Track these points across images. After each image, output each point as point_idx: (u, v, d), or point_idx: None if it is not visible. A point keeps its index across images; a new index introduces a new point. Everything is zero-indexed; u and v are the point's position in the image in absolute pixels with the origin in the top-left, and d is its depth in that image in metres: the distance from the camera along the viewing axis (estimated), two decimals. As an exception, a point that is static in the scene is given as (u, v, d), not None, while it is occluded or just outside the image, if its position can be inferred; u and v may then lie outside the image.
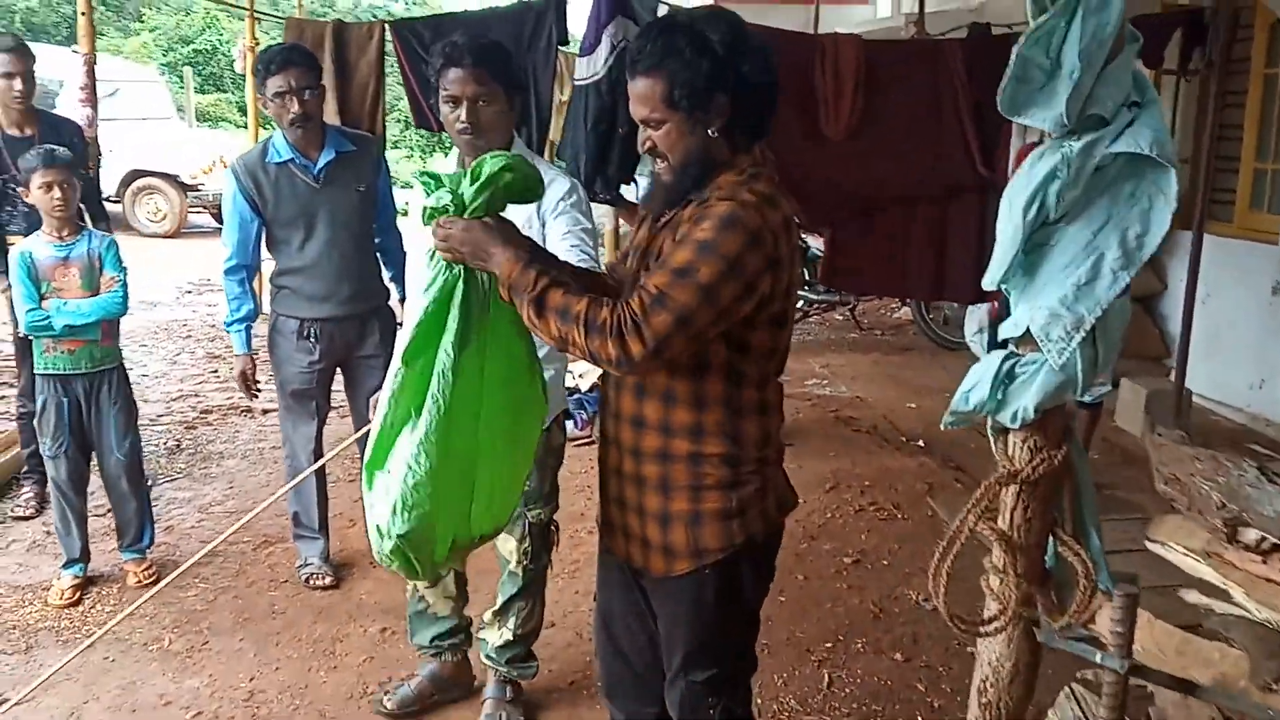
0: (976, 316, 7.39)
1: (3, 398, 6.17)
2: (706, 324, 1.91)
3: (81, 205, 4.37)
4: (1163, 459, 1.97)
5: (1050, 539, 1.96)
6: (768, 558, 2.24)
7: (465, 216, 1.99)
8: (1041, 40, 1.58)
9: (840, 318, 8.71)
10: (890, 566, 4.22)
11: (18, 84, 4.22)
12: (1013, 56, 1.61)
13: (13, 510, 4.48)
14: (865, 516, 4.71)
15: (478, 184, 1.98)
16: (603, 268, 2.56)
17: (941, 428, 1.91)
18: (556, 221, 2.74)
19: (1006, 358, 1.78)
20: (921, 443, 5.70)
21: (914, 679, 3.40)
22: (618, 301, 1.91)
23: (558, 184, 2.80)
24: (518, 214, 2.72)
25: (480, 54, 2.68)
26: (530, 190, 2.09)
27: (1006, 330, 1.77)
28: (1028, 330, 1.73)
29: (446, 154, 2.95)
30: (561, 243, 2.69)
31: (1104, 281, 1.65)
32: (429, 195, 2.04)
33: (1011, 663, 2.02)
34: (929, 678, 3.41)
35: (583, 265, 2.49)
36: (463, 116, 2.68)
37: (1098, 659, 1.67)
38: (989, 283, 1.75)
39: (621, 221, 5.98)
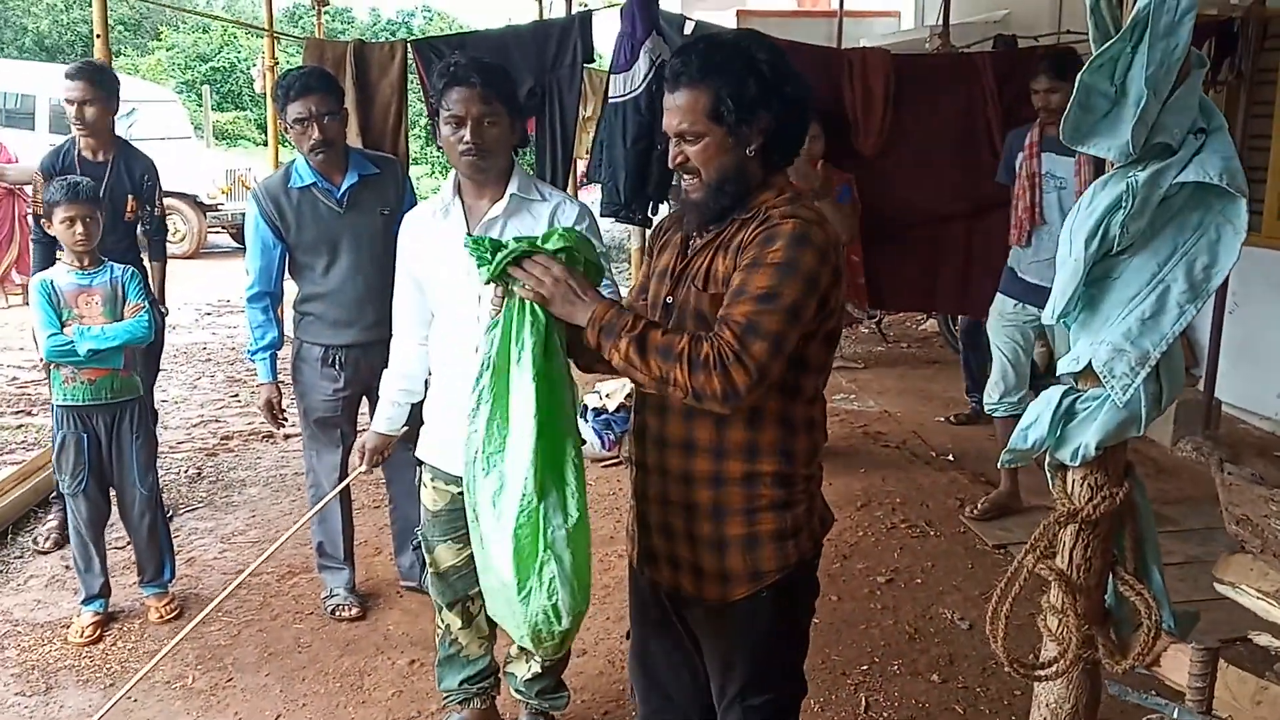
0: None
1: (20, 426, 6.15)
2: (792, 341, 1.92)
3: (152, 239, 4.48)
4: (1233, 499, 1.89)
5: (1110, 578, 1.88)
6: (814, 571, 2.24)
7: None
8: (1105, 67, 1.51)
9: (866, 331, 8.63)
10: (924, 585, 4.16)
11: (75, 110, 4.22)
12: (1075, 84, 1.54)
13: (33, 542, 4.44)
14: (897, 534, 4.64)
15: (557, 246, 1.96)
16: (618, 292, 2.60)
17: (998, 467, 1.84)
18: None
19: (1066, 393, 1.71)
20: (951, 457, 5.62)
21: (951, 701, 3.35)
22: (713, 337, 1.89)
23: (567, 208, 2.78)
24: (528, 231, 2.69)
25: (486, 74, 2.63)
26: (591, 274, 2.04)
27: (1066, 365, 1.70)
28: (1089, 365, 1.66)
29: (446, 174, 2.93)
30: None
31: (1170, 315, 1.58)
32: (483, 264, 1.96)
33: (1070, 705, 1.95)
34: (966, 699, 3.35)
35: None
36: (466, 137, 2.64)
37: (1175, 714, 1.59)
38: (1048, 317, 1.68)
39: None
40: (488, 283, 2.00)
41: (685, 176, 2.07)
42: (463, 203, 2.79)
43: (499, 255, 1.95)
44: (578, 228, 2.60)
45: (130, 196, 4.35)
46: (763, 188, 2.03)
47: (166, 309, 4.64)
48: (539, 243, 1.99)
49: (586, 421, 5.43)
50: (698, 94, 1.97)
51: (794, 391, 2.03)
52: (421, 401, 3.00)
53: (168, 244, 4.70)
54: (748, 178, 2.02)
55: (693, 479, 2.07)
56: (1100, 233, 1.56)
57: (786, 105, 2.00)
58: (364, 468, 3.06)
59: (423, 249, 2.82)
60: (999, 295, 4.64)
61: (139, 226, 4.43)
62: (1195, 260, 1.57)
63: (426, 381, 3.00)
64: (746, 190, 2.02)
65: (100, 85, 4.30)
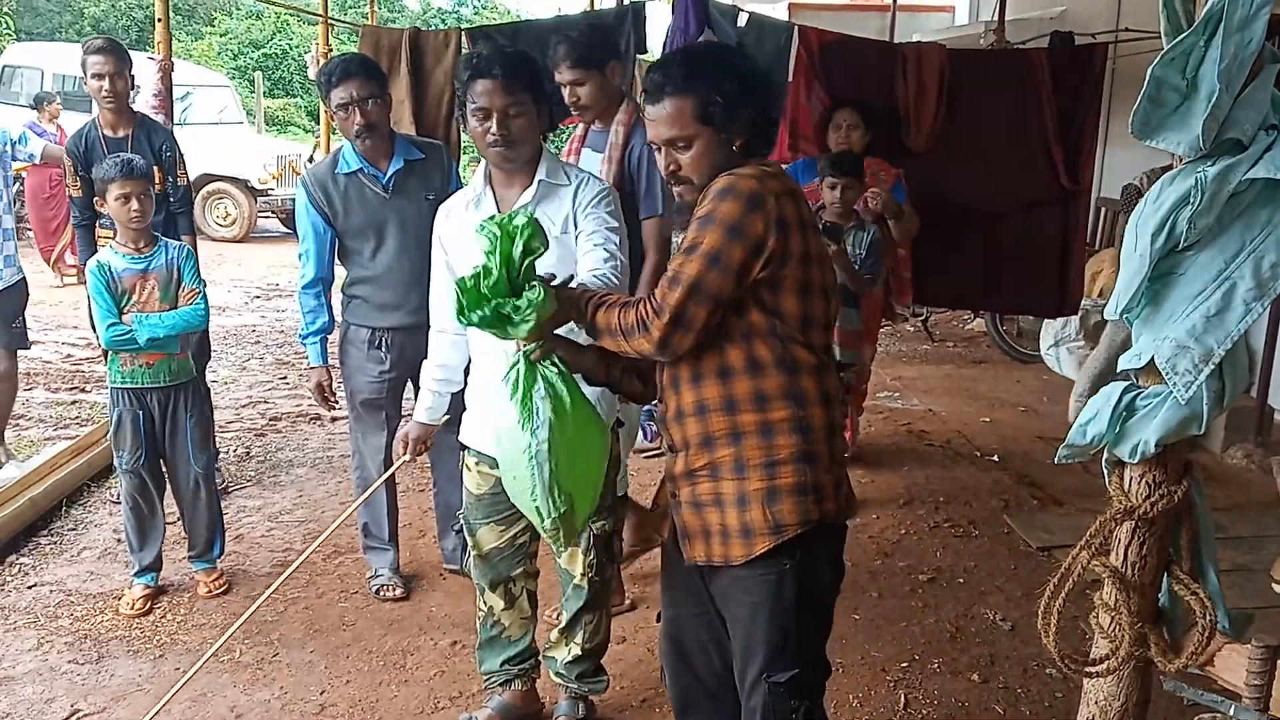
0: (1053, 330, 7.24)
1: (74, 402, 6.27)
2: (721, 288, 2.03)
3: (175, 212, 4.49)
4: (1294, 499, 1.87)
5: (1164, 577, 1.87)
6: (839, 551, 2.27)
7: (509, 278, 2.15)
8: (1177, 60, 1.50)
9: (911, 329, 8.57)
10: (966, 585, 4.13)
11: (107, 85, 4.29)
12: (1146, 77, 1.52)
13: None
14: (940, 533, 4.61)
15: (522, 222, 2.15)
16: (626, 265, 2.76)
17: (1055, 462, 1.83)
18: (586, 221, 2.76)
19: (1126, 389, 1.70)
20: (996, 458, 5.57)
21: (992, 701, 3.32)
22: (647, 296, 2.11)
23: (589, 185, 2.82)
24: (556, 214, 2.74)
25: (509, 64, 2.64)
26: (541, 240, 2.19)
27: (1128, 361, 1.68)
28: (1151, 361, 1.64)
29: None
30: (588, 241, 2.72)
31: (1235, 313, 1.57)
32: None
33: (1120, 703, 1.94)
34: (1007, 699, 3.33)
35: (606, 264, 2.66)
36: (493, 129, 2.65)
37: (1231, 711, 1.58)
38: (1111, 312, 1.67)
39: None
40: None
41: (677, 185, 2.21)
42: (494, 191, 2.81)
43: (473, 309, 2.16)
44: (597, 203, 2.79)
45: (155, 168, 4.36)
46: (745, 166, 2.14)
47: (203, 282, 4.66)
48: (504, 222, 2.16)
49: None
50: (684, 100, 2.12)
51: (785, 340, 2.10)
52: (464, 389, 3.02)
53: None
54: (725, 166, 2.14)
55: (712, 440, 2.14)
56: (1167, 228, 1.55)
57: (764, 100, 2.19)
58: (407, 457, 3.09)
59: (457, 239, 2.85)
60: None
61: (168, 200, 4.46)
62: (1263, 258, 1.55)
63: (466, 370, 3.02)
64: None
65: (124, 59, 4.37)
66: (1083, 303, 5.61)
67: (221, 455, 5.17)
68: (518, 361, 2.25)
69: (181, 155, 4.56)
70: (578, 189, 2.79)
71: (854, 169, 4.55)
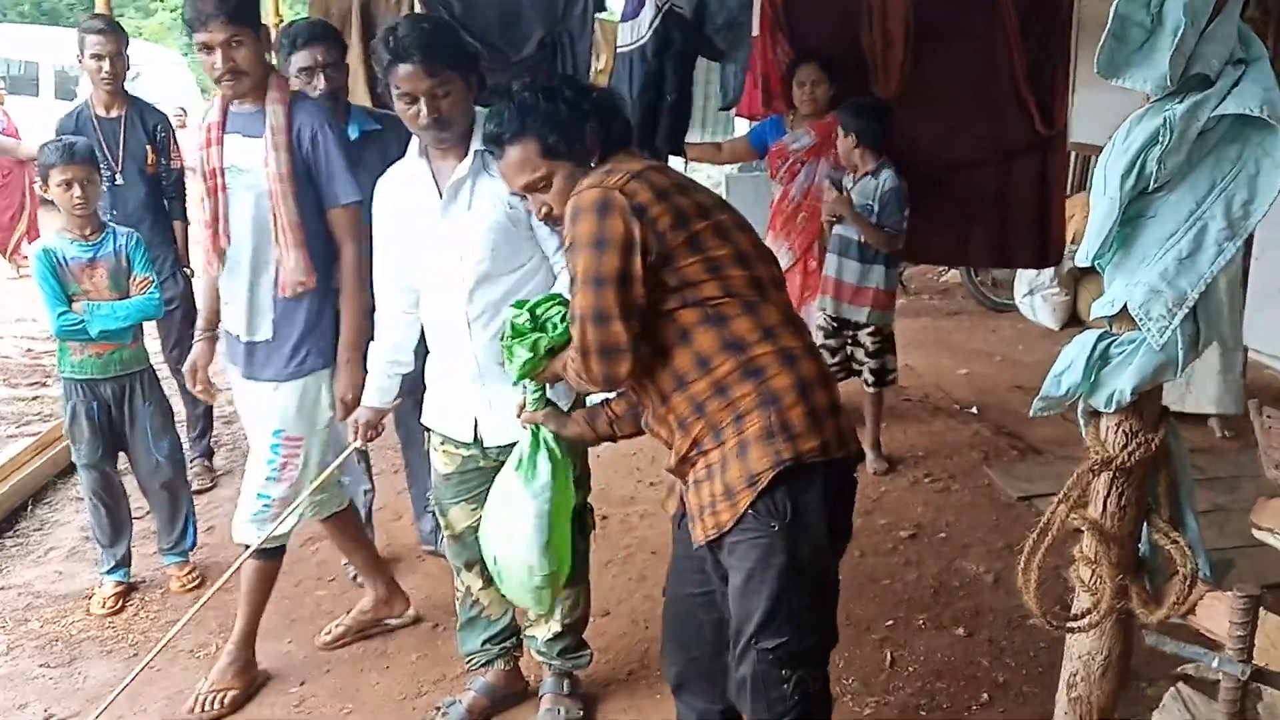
0: (1027, 278, 7.23)
1: (35, 398, 6.15)
2: (618, 302, 2.01)
3: (168, 196, 4.45)
4: (1273, 442, 1.85)
5: (1144, 527, 1.84)
6: (839, 501, 2.15)
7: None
8: (1141, -6, 1.44)
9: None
10: (948, 539, 4.12)
11: (107, 65, 4.19)
12: (1110, 14, 1.46)
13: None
14: (920, 488, 4.60)
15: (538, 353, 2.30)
16: None
17: (1031, 415, 1.79)
18: None
19: (1100, 337, 1.65)
20: (975, 410, 5.56)
21: (977, 654, 3.33)
22: None
23: None
24: (499, 185, 2.58)
25: (427, 45, 2.52)
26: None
27: (1100, 308, 1.64)
28: (1124, 308, 1.60)
29: None
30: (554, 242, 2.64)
31: (1208, 254, 1.53)
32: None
33: (1103, 656, 1.92)
34: (992, 652, 3.34)
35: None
36: (423, 113, 2.56)
37: (1214, 664, 1.55)
38: (1082, 259, 1.62)
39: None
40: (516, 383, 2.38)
41: (555, 225, 2.26)
42: (430, 165, 2.73)
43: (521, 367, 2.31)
44: None
45: (149, 148, 4.33)
46: (588, 177, 2.13)
47: (191, 270, 4.58)
48: (533, 308, 2.30)
49: None
50: (524, 144, 2.18)
51: (702, 300, 2.06)
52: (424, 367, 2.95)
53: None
54: None
55: (684, 421, 2.11)
56: (1137, 169, 1.50)
57: (601, 108, 2.21)
58: (358, 443, 3.03)
59: (398, 215, 2.77)
60: None
61: (160, 183, 4.40)
62: (1234, 196, 1.51)
63: (418, 351, 2.95)
64: None
65: (122, 38, 4.29)
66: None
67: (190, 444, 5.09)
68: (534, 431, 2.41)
69: (174, 136, 4.46)
70: None
71: (852, 117, 4.46)
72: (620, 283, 2.00)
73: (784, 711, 2.12)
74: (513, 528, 2.40)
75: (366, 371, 2.97)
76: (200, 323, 3.25)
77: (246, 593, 3.17)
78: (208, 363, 3.21)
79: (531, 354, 2.28)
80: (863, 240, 4.55)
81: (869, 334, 4.69)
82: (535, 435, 2.40)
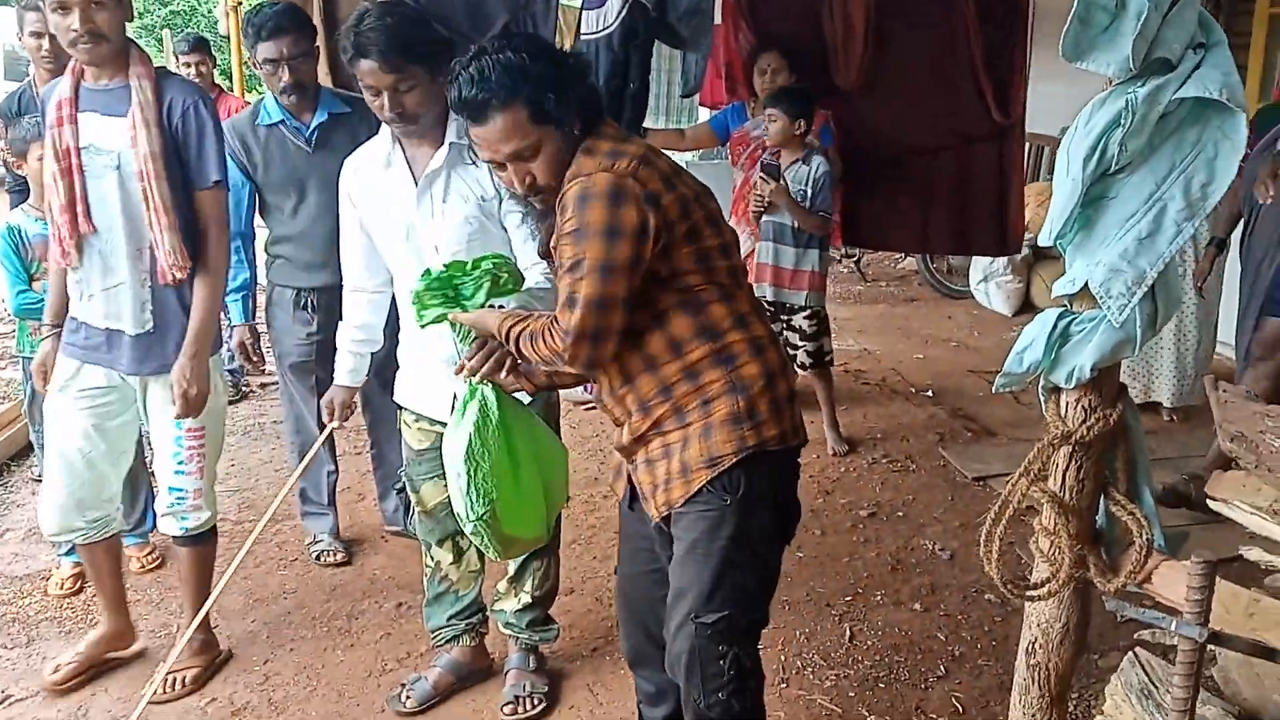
0: (981, 265, 7.34)
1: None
2: (619, 291, 1.97)
3: None
4: (1228, 416, 1.91)
5: (1102, 499, 1.90)
6: (788, 487, 2.21)
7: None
8: (1106, -21, 1.48)
9: (845, 270, 8.62)
10: (905, 518, 4.20)
11: (46, 43, 4.07)
12: (1073, -2, 1.51)
13: None
14: (878, 469, 4.67)
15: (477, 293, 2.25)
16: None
17: (994, 391, 1.84)
18: (510, 199, 2.60)
19: (1061, 315, 1.70)
20: (931, 393, 5.65)
21: (934, 628, 3.40)
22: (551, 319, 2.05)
23: None
24: (472, 178, 2.65)
25: (390, 40, 2.49)
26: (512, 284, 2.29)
27: (1062, 287, 1.69)
28: (1084, 287, 1.65)
29: None
30: (520, 231, 2.64)
31: (1166, 234, 1.58)
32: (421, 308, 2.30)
33: (1061, 624, 1.98)
34: (949, 626, 3.41)
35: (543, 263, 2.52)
36: (386, 107, 2.56)
37: (1173, 627, 1.61)
38: (1045, 239, 1.67)
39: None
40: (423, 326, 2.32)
41: (535, 195, 2.11)
42: (404, 152, 2.72)
43: (430, 303, 2.27)
44: None
45: None
46: (586, 153, 2.05)
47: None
48: (467, 269, 2.23)
49: None
50: (513, 110, 2.00)
51: (685, 287, 2.05)
52: (394, 346, 2.95)
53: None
54: (572, 156, 2.06)
55: (647, 404, 2.10)
56: (1099, 151, 1.55)
57: (577, 72, 2.08)
58: (334, 424, 3.02)
59: (369, 198, 2.76)
60: None
61: None
62: (1193, 178, 1.56)
63: (389, 331, 2.94)
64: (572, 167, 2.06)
65: None
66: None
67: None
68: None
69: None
70: None
71: (792, 103, 4.51)
72: (630, 271, 1.97)
73: (719, 686, 2.13)
74: (453, 467, 2.33)
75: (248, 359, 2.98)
76: (47, 317, 3.03)
77: (187, 579, 3.14)
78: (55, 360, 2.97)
79: (443, 307, 2.27)
80: (796, 226, 4.61)
81: (805, 317, 4.76)
82: (472, 386, 2.35)
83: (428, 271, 2.28)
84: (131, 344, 2.87)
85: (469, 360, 2.27)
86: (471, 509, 2.24)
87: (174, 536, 3.08)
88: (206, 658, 3.14)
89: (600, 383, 2.20)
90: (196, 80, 5.36)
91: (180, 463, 2.97)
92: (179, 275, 2.79)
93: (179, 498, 3.02)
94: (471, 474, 2.23)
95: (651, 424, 2.12)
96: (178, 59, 5.61)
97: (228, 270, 2.96)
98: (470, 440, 2.23)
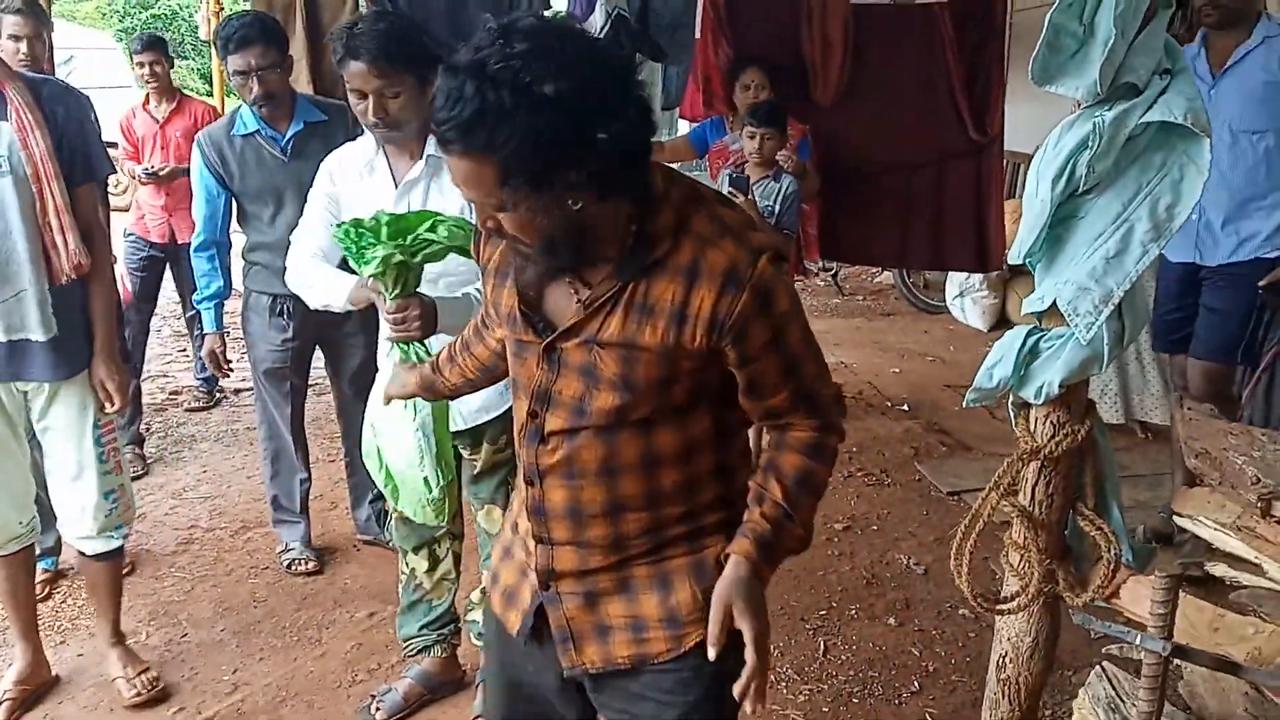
0: (957, 280, 7.39)
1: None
2: None
3: None
4: (1192, 433, 1.94)
5: (1070, 514, 1.92)
6: None
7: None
8: (1074, 6, 1.52)
9: (822, 284, 8.66)
10: (880, 532, 4.21)
11: (24, 47, 4.05)
12: (1044, 23, 1.53)
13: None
14: (854, 483, 4.69)
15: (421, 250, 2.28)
16: None
17: (964, 406, 1.85)
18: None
19: (1030, 332, 1.73)
20: (906, 407, 5.68)
21: (908, 643, 3.41)
22: (797, 425, 1.63)
23: None
24: (454, 192, 2.57)
25: (381, 45, 2.49)
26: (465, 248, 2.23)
27: (1031, 305, 1.71)
28: (1053, 304, 1.67)
29: None
30: None
31: (1133, 254, 1.60)
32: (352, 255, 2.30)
33: (1031, 638, 2.00)
34: (923, 641, 3.42)
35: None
36: (370, 111, 2.55)
37: (1138, 641, 1.63)
38: (1015, 257, 1.69)
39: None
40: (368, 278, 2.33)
41: (516, 255, 1.55)
42: (388, 158, 2.71)
43: (370, 253, 2.26)
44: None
45: None
46: (649, 214, 1.48)
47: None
48: (426, 226, 2.24)
49: None
50: (478, 164, 1.36)
51: (725, 401, 1.61)
52: (373, 353, 2.93)
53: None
54: (594, 224, 1.46)
55: (624, 541, 1.62)
56: (1067, 173, 1.57)
57: (621, 122, 1.37)
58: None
59: (348, 197, 2.75)
60: None
61: None
62: (1159, 200, 1.58)
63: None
64: (603, 238, 1.49)
65: (44, 20, 4.15)
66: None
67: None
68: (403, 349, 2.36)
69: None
70: None
71: (774, 119, 4.52)
72: None
73: None
74: (400, 442, 2.36)
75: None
76: None
77: (108, 593, 3.09)
78: None
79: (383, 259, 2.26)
80: None
81: None
82: (405, 348, 2.36)
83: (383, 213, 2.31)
84: (43, 350, 2.79)
85: (390, 315, 2.31)
86: (441, 476, 2.30)
87: (100, 553, 3.00)
88: (141, 661, 3.12)
89: (546, 491, 1.63)
90: (151, 81, 5.35)
91: (103, 461, 2.93)
92: (80, 275, 2.77)
93: (114, 500, 2.96)
94: (439, 440, 2.29)
95: (612, 562, 1.64)
96: (132, 58, 5.58)
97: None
98: (417, 407, 2.29)
